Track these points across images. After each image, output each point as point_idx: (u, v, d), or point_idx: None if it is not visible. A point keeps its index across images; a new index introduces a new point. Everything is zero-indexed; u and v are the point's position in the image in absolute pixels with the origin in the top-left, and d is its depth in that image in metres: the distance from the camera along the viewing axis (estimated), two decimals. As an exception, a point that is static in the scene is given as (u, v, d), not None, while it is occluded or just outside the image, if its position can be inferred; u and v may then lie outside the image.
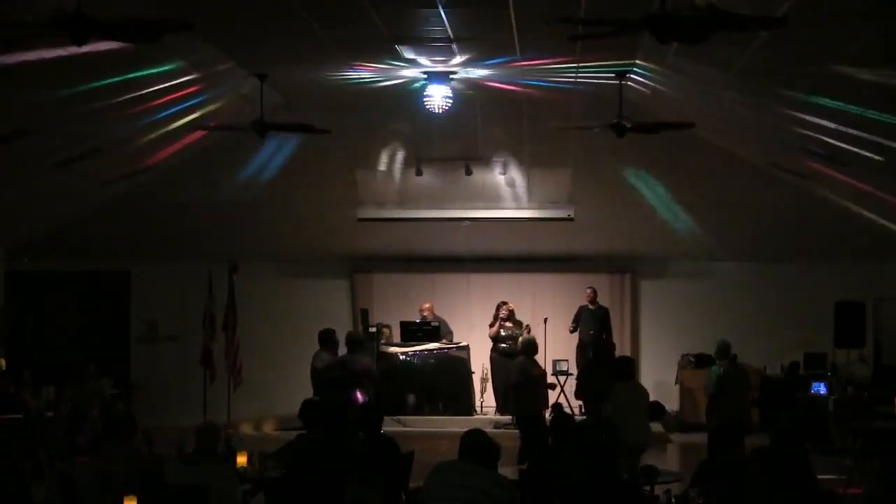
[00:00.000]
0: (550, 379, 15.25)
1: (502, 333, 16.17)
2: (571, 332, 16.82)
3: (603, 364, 14.94)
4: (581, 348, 16.72)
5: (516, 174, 16.11)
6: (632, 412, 10.87)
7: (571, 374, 16.33)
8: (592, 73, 12.08)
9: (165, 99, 12.07)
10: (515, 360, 14.12)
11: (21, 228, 15.91)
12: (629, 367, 11.78)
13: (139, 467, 7.92)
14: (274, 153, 14.99)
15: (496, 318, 16.29)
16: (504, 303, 16.39)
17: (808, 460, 7.38)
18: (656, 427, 12.43)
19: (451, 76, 12.37)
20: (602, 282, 17.34)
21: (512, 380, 13.83)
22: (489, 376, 16.64)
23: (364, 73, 12.37)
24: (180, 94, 12.12)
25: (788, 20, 7.48)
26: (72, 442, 12.82)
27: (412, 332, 16.60)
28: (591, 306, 16.78)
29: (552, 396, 14.90)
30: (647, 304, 17.91)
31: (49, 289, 18.05)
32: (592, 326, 16.61)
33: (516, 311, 16.41)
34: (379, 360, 16.11)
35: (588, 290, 16.84)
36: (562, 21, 8.02)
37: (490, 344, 16.39)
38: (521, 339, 14.66)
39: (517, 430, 14.84)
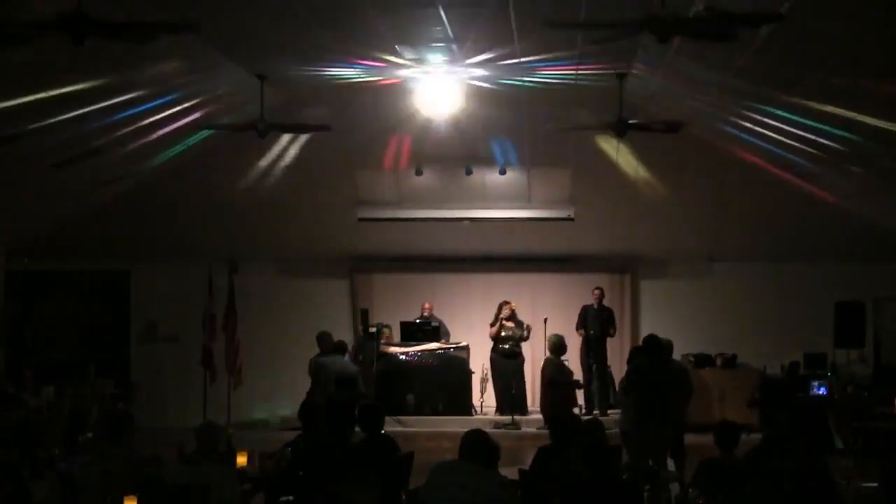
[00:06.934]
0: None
1: (503, 334, 16.09)
2: (579, 331, 16.58)
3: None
4: (584, 348, 16.61)
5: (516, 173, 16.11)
6: None
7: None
8: (592, 73, 12.09)
9: (165, 99, 12.08)
10: (548, 359, 13.96)
11: (21, 228, 15.90)
12: None
13: (139, 467, 7.92)
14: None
15: (497, 317, 16.18)
16: (506, 302, 16.23)
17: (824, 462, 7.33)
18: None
19: (451, 76, 12.38)
20: (602, 282, 17.28)
21: (545, 379, 13.71)
22: (489, 376, 16.62)
23: (364, 73, 12.38)
24: (180, 94, 12.13)
25: (787, 18, 7.50)
26: (72, 442, 12.82)
27: (412, 332, 16.58)
28: (595, 307, 16.74)
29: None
30: (647, 304, 17.88)
31: (49, 289, 18.03)
32: (595, 326, 16.56)
33: (517, 311, 16.33)
34: (379, 360, 16.11)
35: (596, 291, 16.75)
36: (562, 25, 8.02)
37: (490, 344, 16.28)
38: (549, 338, 14.26)
39: (519, 430, 14.94)
